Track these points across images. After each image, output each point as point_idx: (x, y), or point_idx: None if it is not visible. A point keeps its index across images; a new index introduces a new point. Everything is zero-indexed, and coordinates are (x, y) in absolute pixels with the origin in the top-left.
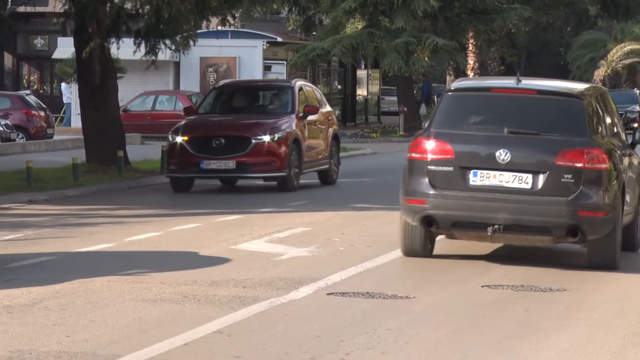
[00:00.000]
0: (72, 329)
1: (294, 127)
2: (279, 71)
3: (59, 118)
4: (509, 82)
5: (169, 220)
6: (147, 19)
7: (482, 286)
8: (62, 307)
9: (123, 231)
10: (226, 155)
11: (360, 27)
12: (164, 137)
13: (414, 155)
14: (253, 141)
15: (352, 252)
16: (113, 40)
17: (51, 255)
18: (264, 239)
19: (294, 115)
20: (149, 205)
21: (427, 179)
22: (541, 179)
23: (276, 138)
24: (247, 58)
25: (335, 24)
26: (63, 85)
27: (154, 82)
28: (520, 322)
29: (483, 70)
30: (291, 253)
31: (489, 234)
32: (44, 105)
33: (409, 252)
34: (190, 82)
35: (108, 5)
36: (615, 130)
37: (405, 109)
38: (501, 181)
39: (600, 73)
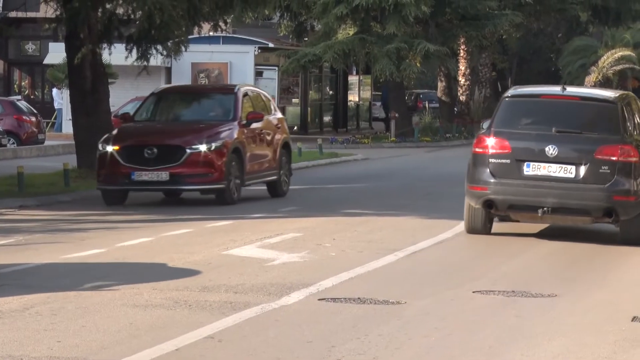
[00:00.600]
0: (63, 334)
1: (234, 136)
2: (270, 77)
3: (50, 123)
4: (555, 89)
5: (160, 225)
6: (139, 25)
7: (474, 292)
8: (53, 313)
9: (114, 237)
10: (159, 166)
11: (351, 32)
12: None
13: (477, 150)
14: (188, 151)
15: (344, 258)
16: (105, 45)
17: (42, 261)
18: (255, 244)
19: (235, 123)
20: (141, 211)
21: (488, 170)
22: (582, 169)
23: (213, 147)
24: (239, 64)
25: (326, 30)
26: (54, 90)
27: (146, 87)
28: (511, 327)
29: (474, 76)
30: (282, 258)
31: (539, 215)
32: (35, 111)
33: (472, 230)
34: None
35: (100, 10)
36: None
37: (396, 114)
38: (549, 171)
39: (591, 79)
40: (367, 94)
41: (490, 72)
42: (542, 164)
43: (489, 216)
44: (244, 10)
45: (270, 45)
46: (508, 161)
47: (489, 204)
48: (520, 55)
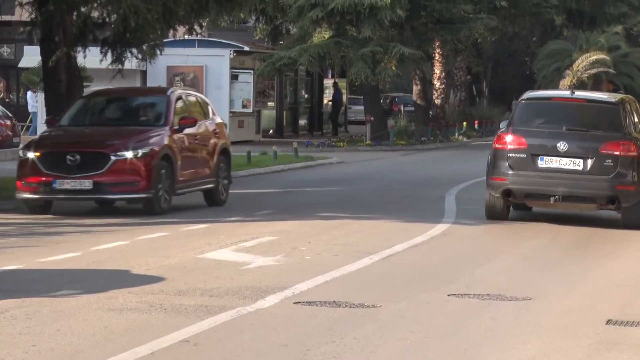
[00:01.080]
0: (38, 338)
1: (164, 142)
2: (246, 80)
3: (25, 127)
4: (565, 93)
5: (136, 229)
6: (114, 28)
7: (449, 295)
8: (28, 316)
9: (90, 240)
10: (82, 174)
11: (327, 36)
12: None
13: (497, 146)
14: (112, 158)
15: (319, 261)
16: (79, 49)
17: (17, 265)
18: (230, 248)
19: (167, 128)
20: (116, 214)
21: (507, 163)
22: (589, 162)
23: (140, 154)
24: (214, 67)
25: (302, 33)
26: (29, 94)
27: None
28: (486, 330)
29: (449, 79)
30: (258, 262)
31: (552, 202)
32: (10, 114)
33: (492, 216)
34: None
35: (75, 14)
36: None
37: (372, 118)
38: (560, 164)
39: (565, 83)
40: (342, 97)
41: (466, 75)
42: (554, 158)
43: (507, 204)
44: (220, 14)
45: (246, 48)
46: (524, 155)
47: (507, 193)
48: (495, 59)
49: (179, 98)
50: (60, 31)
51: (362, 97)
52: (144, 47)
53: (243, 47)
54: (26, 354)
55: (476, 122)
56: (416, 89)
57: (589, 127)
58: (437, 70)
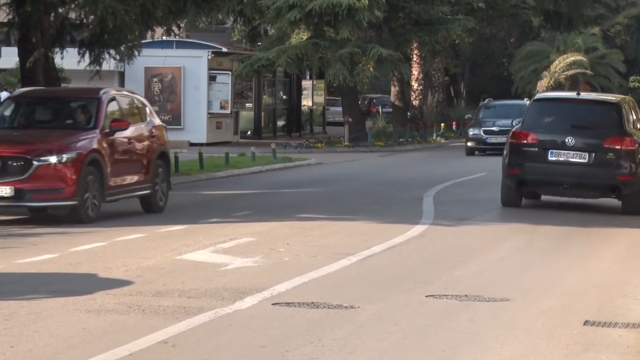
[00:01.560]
0: (16, 339)
1: (93, 146)
2: (224, 81)
3: None
4: (572, 94)
5: (113, 230)
6: (92, 29)
7: (426, 296)
8: (6, 318)
9: (67, 241)
10: (2, 180)
11: (305, 37)
12: None
13: (512, 141)
14: (35, 163)
15: (297, 262)
16: (57, 50)
17: None
18: (209, 249)
19: (97, 131)
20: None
21: (521, 157)
22: (594, 156)
23: (65, 159)
24: (192, 68)
25: (280, 35)
26: (3, 93)
27: None
28: (464, 331)
29: (427, 81)
30: (236, 263)
31: (561, 190)
32: None
33: (507, 203)
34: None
35: (52, 15)
36: (639, 126)
37: (350, 119)
38: (568, 157)
39: (543, 84)
40: (320, 98)
41: (443, 76)
42: (563, 152)
43: (520, 192)
44: (197, 15)
45: (224, 49)
46: (536, 149)
47: (521, 183)
48: (473, 60)
49: (112, 99)
50: (37, 32)
51: (340, 98)
52: (122, 48)
53: (221, 49)
54: (4, 356)
55: (454, 123)
56: (394, 90)
57: (593, 125)
58: (415, 71)
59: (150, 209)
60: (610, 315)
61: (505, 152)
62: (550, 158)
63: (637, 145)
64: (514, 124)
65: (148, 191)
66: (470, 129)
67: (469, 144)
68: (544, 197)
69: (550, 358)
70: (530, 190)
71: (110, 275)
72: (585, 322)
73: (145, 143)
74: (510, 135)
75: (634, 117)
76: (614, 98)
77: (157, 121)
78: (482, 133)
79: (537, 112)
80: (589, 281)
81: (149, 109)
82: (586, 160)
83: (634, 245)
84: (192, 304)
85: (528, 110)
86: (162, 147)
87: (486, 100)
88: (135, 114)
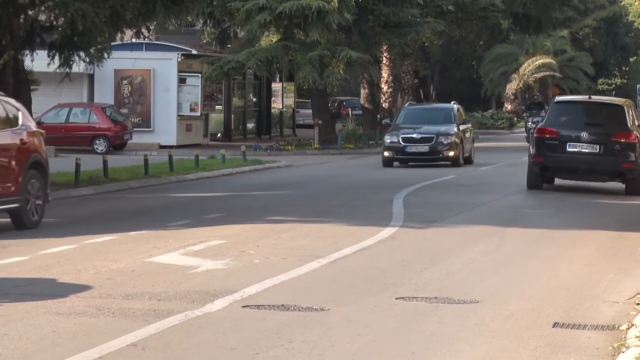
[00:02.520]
0: None
1: None
2: (194, 83)
3: None
4: (585, 97)
5: (83, 232)
6: (61, 31)
7: (396, 298)
8: None
9: (37, 244)
10: None
11: (275, 40)
12: (78, 149)
13: (537, 135)
14: None
15: (267, 265)
16: (27, 52)
17: None
18: (179, 251)
19: None
20: (63, 218)
21: (544, 148)
22: (603, 147)
23: None
24: (162, 70)
25: (250, 37)
26: None
27: (68, 94)
28: (433, 334)
29: (397, 83)
30: (206, 266)
31: (577, 175)
32: None
33: (532, 186)
34: (105, 95)
35: (22, 17)
36: (637, 123)
37: (320, 121)
38: (582, 149)
39: (512, 86)
40: (290, 101)
41: (413, 79)
42: (578, 144)
43: (543, 177)
44: (167, 17)
45: (194, 52)
46: (557, 142)
47: (544, 169)
48: (442, 63)
49: None
50: (7, 34)
51: (310, 100)
52: (92, 51)
53: (191, 51)
54: None
55: None
56: (364, 92)
57: (602, 122)
58: (385, 74)
59: (21, 225)
60: (579, 317)
61: (530, 144)
62: (568, 149)
63: (638, 139)
64: (534, 121)
65: (16, 205)
66: (388, 136)
67: (386, 153)
68: (557, 181)
69: None
70: (551, 176)
71: (80, 278)
72: (555, 324)
73: (12, 152)
74: (535, 130)
75: (634, 116)
76: (618, 101)
77: (33, 127)
78: (400, 141)
79: (557, 112)
80: (558, 283)
81: (22, 113)
82: (597, 151)
83: (602, 248)
84: (162, 307)
85: (549, 110)
86: (36, 155)
87: (407, 104)
88: (2, 119)
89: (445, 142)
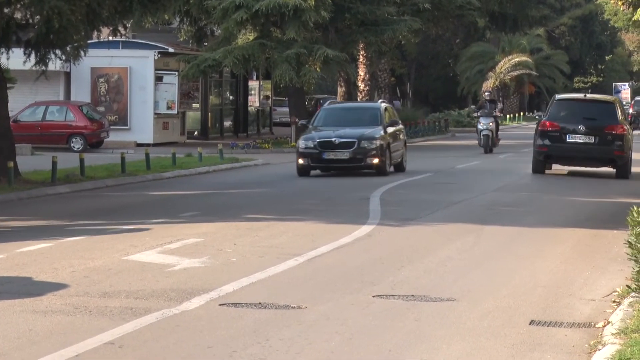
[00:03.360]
0: None
1: None
2: (170, 81)
3: None
4: (581, 95)
5: (60, 231)
6: (37, 29)
7: (373, 296)
8: None
9: (14, 242)
10: None
11: (251, 38)
12: (55, 147)
13: (541, 128)
14: None
15: (244, 263)
16: (2, 50)
17: None
18: (155, 250)
19: None
20: (40, 216)
21: (547, 139)
22: (597, 138)
23: None
24: (139, 68)
25: (226, 35)
26: None
27: (45, 92)
28: (410, 332)
29: (374, 81)
30: (183, 264)
31: (574, 162)
32: None
33: (536, 171)
34: (81, 93)
35: None
36: (624, 117)
37: (297, 120)
38: (580, 139)
39: (488, 85)
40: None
41: (389, 77)
42: (576, 135)
43: (546, 164)
44: (144, 15)
45: (170, 50)
46: (558, 134)
47: (547, 157)
48: (419, 61)
49: None
50: None
51: (287, 98)
52: (68, 49)
53: (167, 49)
54: None
55: None
56: (341, 90)
57: (597, 116)
58: (362, 72)
59: None
60: (555, 315)
61: (535, 136)
62: (567, 140)
63: (626, 131)
64: (538, 116)
65: None
66: (302, 141)
67: (300, 160)
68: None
69: (497, 358)
70: (553, 162)
71: (56, 277)
72: (531, 322)
73: None
74: (538, 124)
75: (622, 111)
76: (610, 98)
77: None
78: (317, 146)
79: (558, 108)
80: (534, 281)
81: None
82: (592, 141)
83: (579, 245)
84: (139, 305)
85: (551, 106)
86: None
87: (327, 102)
88: None
89: (369, 148)
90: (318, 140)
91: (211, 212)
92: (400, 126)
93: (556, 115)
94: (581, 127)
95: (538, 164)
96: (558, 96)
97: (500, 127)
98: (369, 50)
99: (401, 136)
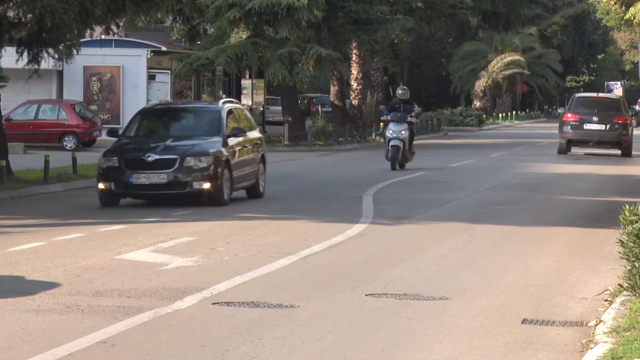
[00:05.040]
0: None
1: None
2: (163, 80)
3: None
4: (595, 94)
5: (52, 230)
6: (30, 28)
7: (366, 295)
8: None
9: (6, 241)
10: None
11: (244, 36)
12: (47, 146)
13: (564, 119)
14: None
15: (238, 262)
16: None
17: None
18: (148, 248)
19: None
20: (33, 215)
21: (569, 126)
22: (608, 126)
23: None
24: (131, 67)
25: (219, 34)
26: None
27: (37, 91)
28: (403, 330)
29: (366, 80)
30: (176, 263)
31: (590, 145)
32: None
33: (561, 152)
34: (74, 91)
35: None
36: (627, 110)
37: (289, 118)
38: (594, 127)
39: (481, 83)
40: (260, 97)
41: (382, 76)
42: (592, 124)
43: (569, 146)
44: (136, 14)
45: (163, 48)
46: (577, 123)
47: (569, 141)
48: (412, 60)
49: None
50: None
51: (279, 97)
52: (61, 47)
53: (160, 47)
54: None
55: None
56: (333, 89)
57: (607, 109)
58: (354, 71)
59: None
60: (547, 313)
61: (560, 125)
62: (585, 127)
63: (629, 120)
64: (559, 111)
65: None
66: (104, 159)
67: (101, 185)
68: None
69: (489, 356)
70: (574, 146)
71: (49, 275)
72: (524, 321)
73: None
74: (562, 115)
75: (626, 105)
76: (616, 96)
77: None
78: (123, 165)
79: (577, 103)
80: (526, 280)
81: None
82: (604, 128)
83: (570, 244)
84: (132, 304)
85: (572, 102)
86: None
87: (150, 103)
88: None
89: (196, 167)
90: (126, 158)
91: (203, 211)
92: (256, 135)
93: (576, 109)
94: (595, 118)
95: (562, 146)
96: (577, 95)
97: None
98: (362, 49)
99: (255, 150)
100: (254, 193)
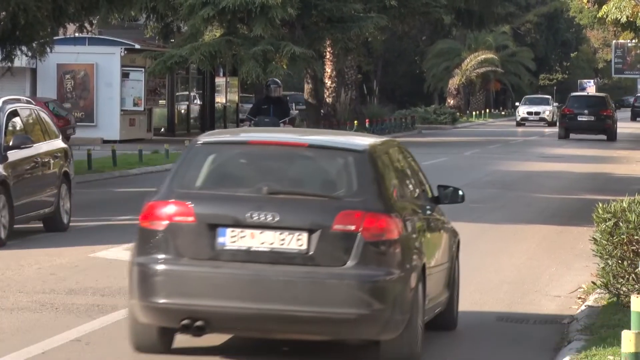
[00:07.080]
0: None
1: None
2: (137, 78)
3: None
4: (584, 93)
5: (26, 228)
6: (3, 25)
7: None
8: None
9: None
10: None
11: (218, 34)
12: None
13: (562, 112)
14: None
15: None
16: None
17: None
18: (122, 246)
19: None
20: None
21: (566, 118)
22: (596, 117)
23: None
24: (105, 65)
25: (193, 32)
26: None
27: (10, 89)
28: None
29: (340, 78)
30: None
31: (582, 132)
32: None
33: (561, 137)
34: (48, 89)
35: None
36: (610, 105)
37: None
38: (585, 118)
39: (455, 81)
40: (234, 95)
41: (356, 74)
42: (583, 116)
43: (568, 133)
44: (110, 12)
45: (137, 46)
46: (573, 115)
47: (567, 129)
48: (385, 58)
49: None
50: None
51: (253, 95)
52: (34, 45)
53: (134, 45)
54: None
55: (367, 120)
56: (307, 87)
57: (595, 105)
58: (328, 69)
59: None
60: (522, 311)
61: (559, 117)
62: (578, 119)
63: (612, 113)
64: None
65: None
66: None
67: None
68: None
69: (465, 354)
70: (570, 133)
71: (22, 273)
72: (498, 318)
73: None
74: (562, 109)
75: (609, 102)
76: (603, 94)
77: None
78: None
79: (572, 101)
80: (500, 277)
81: None
82: (593, 119)
83: (544, 242)
84: (106, 302)
85: (568, 100)
86: None
87: None
88: None
89: None
90: None
91: None
92: (57, 146)
93: (572, 105)
94: (586, 111)
95: (561, 133)
96: (572, 94)
97: (465, 124)
98: (336, 47)
99: (55, 167)
100: (53, 225)
